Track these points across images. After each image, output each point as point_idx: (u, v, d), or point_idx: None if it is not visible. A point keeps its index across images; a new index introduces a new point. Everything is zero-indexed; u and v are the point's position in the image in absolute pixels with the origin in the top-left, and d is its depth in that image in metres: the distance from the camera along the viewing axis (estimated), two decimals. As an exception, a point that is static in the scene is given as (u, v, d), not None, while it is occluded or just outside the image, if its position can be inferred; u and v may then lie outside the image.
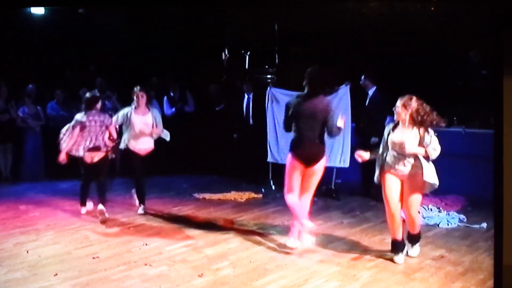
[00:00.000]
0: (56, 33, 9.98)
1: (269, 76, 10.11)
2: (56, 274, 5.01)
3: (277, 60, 9.40)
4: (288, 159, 5.67)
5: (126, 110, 7.20)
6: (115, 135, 7.10)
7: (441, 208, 7.05)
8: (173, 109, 9.88)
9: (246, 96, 9.38)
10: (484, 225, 6.51)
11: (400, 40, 8.61)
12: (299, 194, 5.66)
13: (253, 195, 8.31)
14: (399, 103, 5.23)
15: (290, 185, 5.64)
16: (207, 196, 8.16)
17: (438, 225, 6.61)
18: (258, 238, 6.18)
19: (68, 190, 8.63)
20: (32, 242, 5.96)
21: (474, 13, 7.42)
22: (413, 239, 5.50)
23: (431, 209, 7.03)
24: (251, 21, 8.78)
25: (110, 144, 7.01)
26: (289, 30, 9.42)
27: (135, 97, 7.14)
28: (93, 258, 5.46)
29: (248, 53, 10.19)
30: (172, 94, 9.98)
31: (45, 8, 9.78)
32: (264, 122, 8.61)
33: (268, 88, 8.61)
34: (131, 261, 5.38)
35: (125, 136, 7.16)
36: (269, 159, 8.64)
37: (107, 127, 6.98)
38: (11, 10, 8.54)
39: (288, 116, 5.64)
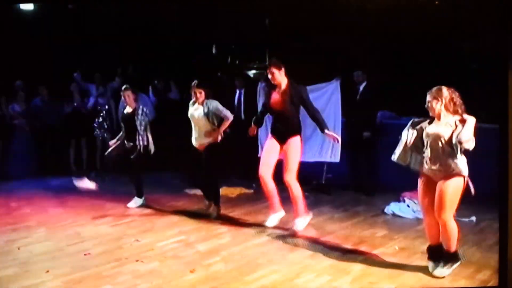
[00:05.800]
0: (45, 28, 9.90)
1: (260, 71, 10.08)
2: (48, 271, 5.00)
3: (267, 55, 9.37)
4: None
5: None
6: None
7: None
8: (155, 99, 9.81)
9: (237, 91, 9.36)
10: (474, 218, 6.56)
11: (395, 35, 8.60)
12: None
13: (244, 190, 8.31)
14: (429, 97, 4.69)
15: None
16: (199, 192, 8.14)
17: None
18: (249, 233, 6.20)
19: (59, 186, 8.61)
20: (23, 239, 5.94)
21: (477, 7, 7.43)
22: (449, 256, 4.88)
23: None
24: (242, 15, 8.75)
25: None
26: (280, 25, 9.39)
27: (192, 93, 6.84)
28: (85, 254, 5.46)
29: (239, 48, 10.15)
30: (156, 82, 9.87)
31: (34, 4, 9.71)
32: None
33: (259, 84, 8.60)
34: (123, 257, 5.39)
35: None
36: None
37: None
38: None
39: None
